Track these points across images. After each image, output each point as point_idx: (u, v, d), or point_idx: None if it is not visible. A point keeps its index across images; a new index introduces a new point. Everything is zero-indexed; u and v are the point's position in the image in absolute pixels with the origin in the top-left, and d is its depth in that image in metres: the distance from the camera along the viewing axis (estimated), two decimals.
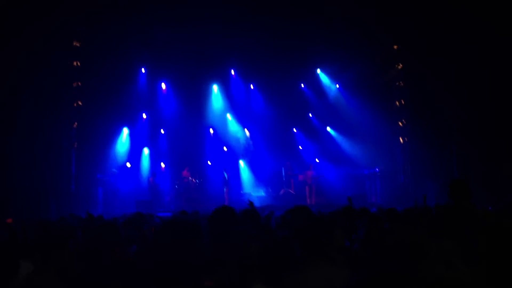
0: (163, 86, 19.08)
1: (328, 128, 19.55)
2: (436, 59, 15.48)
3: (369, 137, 17.72)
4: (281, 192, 18.25)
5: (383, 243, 3.09)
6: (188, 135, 18.68)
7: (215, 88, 19.56)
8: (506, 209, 5.60)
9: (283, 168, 18.73)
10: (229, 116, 19.73)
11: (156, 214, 9.79)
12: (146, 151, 18.83)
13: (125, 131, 18.63)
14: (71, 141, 16.33)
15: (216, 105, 19.55)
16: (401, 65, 17.83)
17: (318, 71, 19.43)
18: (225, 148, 19.51)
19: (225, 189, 17.82)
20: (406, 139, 17.83)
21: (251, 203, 9.02)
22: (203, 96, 19.16)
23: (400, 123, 17.98)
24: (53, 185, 15.14)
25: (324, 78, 19.48)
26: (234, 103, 19.70)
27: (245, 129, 19.78)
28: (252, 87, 19.67)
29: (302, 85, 19.71)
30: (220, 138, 19.56)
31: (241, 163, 19.42)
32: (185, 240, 2.45)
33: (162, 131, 19.05)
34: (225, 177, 17.91)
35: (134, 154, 18.55)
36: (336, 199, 16.89)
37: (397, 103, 18.08)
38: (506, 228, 2.90)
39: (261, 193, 18.38)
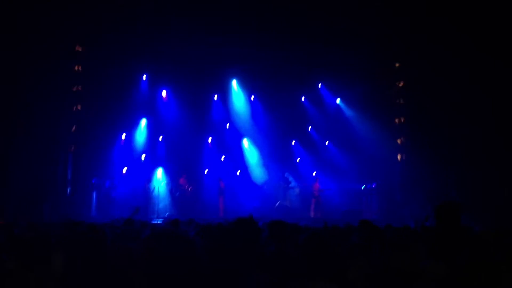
0: (164, 93, 19.06)
1: (327, 143, 19.53)
2: (437, 78, 15.54)
3: (368, 153, 17.72)
4: (277, 204, 18.17)
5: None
6: (186, 143, 18.64)
7: (215, 97, 19.56)
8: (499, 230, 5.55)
9: (279, 180, 18.72)
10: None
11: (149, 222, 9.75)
12: (143, 157, 18.76)
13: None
14: (68, 144, 16.28)
15: (216, 115, 19.53)
16: (402, 82, 17.86)
17: (319, 85, 19.44)
18: (222, 158, 19.48)
19: (220, 198, 17.77)
20: (404, 157, 17.81)
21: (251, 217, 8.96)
22: (203, 105, 19.14)
23: (399, 141, 17.97)
24: (48, 188, 15.08)
25: (325, 93, 19.50)
26: (234, 114, 19.69)
27: (245, 139, 19.76)
28: (252, 98, 19.68)
29: (303, 99, 19.73)
30: (219, 147, 19.53)
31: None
32: (174, 255, 2.34)
33: (161, 138, 19.01)
34: (220, 185, 17.88)
35: (131, 159, 18.48)
36: (333, 213, 16.87)
37: (397, 120, 18.08)
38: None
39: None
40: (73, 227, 5.63)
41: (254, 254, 3.63)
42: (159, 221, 13.24)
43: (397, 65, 17.80)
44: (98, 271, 3.24)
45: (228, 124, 19.69)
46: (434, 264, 3.35)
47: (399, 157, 17.94)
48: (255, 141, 19.65)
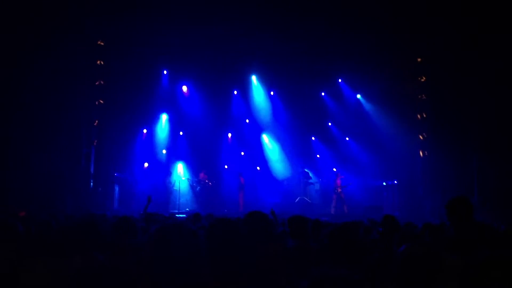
0: (185, 88, 19.14)
1: (347, 138, 19.40)
2: (459, 73, 15.32)
3: (389, 149, 17.55)
4: (297, 200, 18.16)
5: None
6: (207, 138, 18.72)
7: (235, 93, 19.59)
8: None
9: (299, 175, 18.69)
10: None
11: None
12: (164, 151, 18.92)
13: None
14: (91, 138, 16.49)
15: (236, 110, 19.56)
16: (424, 78, 17.64)
17: (339, 80, 19.31)
18: (242, 153, 19.54)
19: (240, 194, 17.82)
20: (426, 153, 17.61)
21: (272, 212, 8.98)
22: (223, 100, 19.17)
23: (421, 136, 17.77)
24: (72, 181, 15.30)
25: (345, 88, 19.37)
26: (253, 109, 19.70)
27: (264, 135, 19.76)
28: (272, 93, 19.65)
29: (323, 94, 19.64)
30: (239, 143, 19.58)
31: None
32: (181, 249, 2.31)
33: (181, 133, 19.12)
34: (240, 181, 17.92)
35: (152, 154, 18.65)
36: (354, 209, 16.78)
37: (419, 116, 17.87)
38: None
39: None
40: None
41: (265, 250, 3.60)
42: (182, 215, 13.32)
43: (419, 60, 17.56)
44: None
45: (247, 120, 19.69)
46: (453, 259, 3.30)
47: (421, 153, 17.73)
48: (275, 137, 19.63)
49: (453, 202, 4.56)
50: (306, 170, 18.93)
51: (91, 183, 16.22)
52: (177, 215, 12.72)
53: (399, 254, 2.90)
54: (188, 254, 2.29)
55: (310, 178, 18.87)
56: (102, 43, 16.58)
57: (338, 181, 17.62)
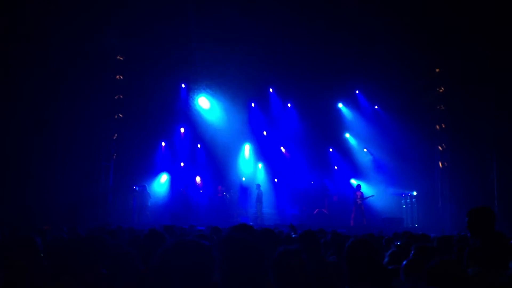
0: (202, 101, 19.26)
1: (365, 150, 19.30)
2: (478, 84, 15.19)
3: (408, 160, 17.41)
4: (315, 211, 18.08)
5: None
6: (224, 151, 18.81)
7: (252, 105, 19.68)
8: None
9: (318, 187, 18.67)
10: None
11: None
12: (182, 164, 19.06)
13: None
14: (110, 152, 16.71)
15: (252, 121, 19.63)
16: (442, 88, 17.52)
17: (357, 92, 19.27)
18: (259, 166, 19.57)
19: (258, 206, 17.78)
20: (445, 164, 17.42)
21: (292, 226, 8.95)
22: (241, 112, 19.25)
23: (440, 147, 17.61)
24: (92, 194, 15.49)
25: (362, 99, 19.31)
26: (271, 121, 19.76)
27: (281, 148, 19.77)
28: (289, 105, 19.70)
29: (340, 105, 19.61)
30: (256, 155, 19.62)
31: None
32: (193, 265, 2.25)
33: (199, 146, 19.24)
34: (258, 193, 17.89)
35: (171, 167, 18.81)
36: (372, 220, 16.65)
37: (437, 126, 17.72)
38: None
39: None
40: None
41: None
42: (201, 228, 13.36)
43: (437, 70, 17.46)
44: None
45: (265, 132, 19.74)
46: (479, 272, 3.27)
47: (440, 164, 17.55)
48: (292, 148, 19.60)
49: (475, 212, 4.40)
50: (324, 182, 18.84)
51: (110, 197, 16.41)
52: (197, 228, 12.75)
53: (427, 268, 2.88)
54: (201, 271, 2.30)
55: (328, 190, 18.78)
56: (121, 58, 16.85)
57: (358, 193, 17.48)
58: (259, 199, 17.85)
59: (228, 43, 16.46)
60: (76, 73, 14.76)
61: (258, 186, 18.13)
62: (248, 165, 19.59)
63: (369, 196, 17.43)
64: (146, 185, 17.69)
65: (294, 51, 16.94)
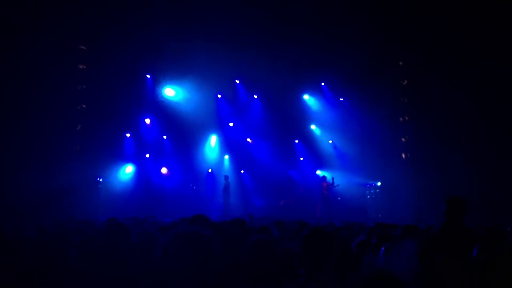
0: (168, 92, 19.03)
1: (330, 141, 19.51)
2: (440, 75, 15.54)
3: (372, 151, 17.69)
4: (281, 203, 18.18)
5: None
6: (190, 142, 18.70)
7: (219, 96, 19.60)
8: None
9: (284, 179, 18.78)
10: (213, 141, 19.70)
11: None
12: (147, 155, 18.85)
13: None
14: (73, 144, 16.36)
15: (219, 113, 19.56)
16: (406, 81, 17.85)
17: (322, 84, 19.43)
18: (226, 157, 19.55)
19: (225, 197, 17.72)
20: (408, 155, 17.81)
21: (250, 216, 9.01)
22: (207, 103, 19.13)
23: (403, 139, 17.97)
24: (55, 187, 15.11)
25: (328, 91, 19.48)
26: (237, 112, 19.73)
27: (248, 139, 19.77)
28: (256, 97, 19.71)
29: (306, 97, 19.74)
30: (223, 145, 19.58)
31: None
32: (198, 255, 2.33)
33: (165, 137, 19.05)
34: (226, 184, 17.82)
35: (136, 159, 18.56)
36: (339, 211, 16.87)
37: (401, 118, 18.08)
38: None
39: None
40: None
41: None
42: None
43: (401, 63, 17.78)
44: None
45: (231, 123, 19.70)
46: (449, 262, 3.35)
47: (403, 155, 17.93)
48: (258, 140, 19.63)
49: (452, 201, 4.59)
50: (289, 173, 18.98)
51: (75, 189, 16.07)
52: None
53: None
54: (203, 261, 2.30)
55: (294, 181, 18.92)
56: (84, 48, 16.46)
57: (324, 184, 17.67)
58: (226, 190, 17.80)
59: (194, 34, 16.30)
60: (38, 64, 14.32)
61: (226, 177, 18.07)
62: (215, 156, 19.51)
63: (335, 185, 17.62)
64: (114, 176, 17.48)
65: (260, 43, 16.91)
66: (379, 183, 18.21)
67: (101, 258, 3.67)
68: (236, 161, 19.49)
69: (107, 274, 3.49)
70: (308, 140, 19.77)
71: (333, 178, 17.66)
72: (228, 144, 19.62)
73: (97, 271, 3.52)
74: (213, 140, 19.59)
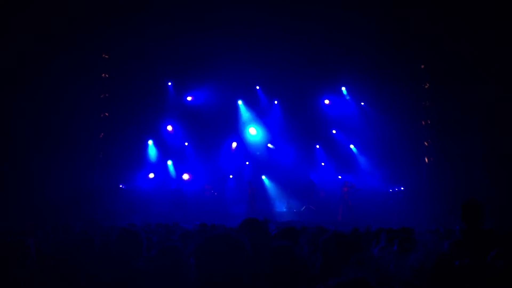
0: (189, 98, 19.21)
1: (352, 146, 19.37)
2: (463, 79, 15.35)
3: (394, 156, 17.50)
4: (303, 208, 18.12)
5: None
6: (211, 149, 18.78)
7: (239, 103, 19.67)
8: None
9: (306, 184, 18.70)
10: (253, 131, 19.69)
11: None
12: (169, 162, 19.00)
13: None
14: (96, 151, 16.61)
15: (241, 119, 19.63)
16: (428, 84, 17.65)
17: (343, 89, 19.34)
18: (247, 163, 19.57)
19: (251, 202, 17.68)
20: (431, 159, 17.57)
21: (265, 219, 8.97)
22: (229, 110, 19.23)
23: (426, 143, 17.75)
24: (78, 193, 15.34)
25: (349, 96, 19.37)
26: (258, 118, 19.76)
27: (269, 144, 19.77)
28: (276, 102, 19.73)
29: (327, 102, 19.64)
30: (243, 152, 19.61)
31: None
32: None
33: (186, 144, 19.19)
34: (251, 189, 17.78)
35: (158, 165, 18.74)
36: (361, 216, 16.70)
37: (423, 122, 17.87)
38: None
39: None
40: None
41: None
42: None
43: (422, 66, 17.59)
44: None
45: (252, 129, 19.73)
46: (467, 265, 3.30)
47: (426, 159, 17.70)
48: (280, 145, 19.60)
49: (467, 206, 4.55)
50: (311, 178, 18.90)
51: (97, 195, 16.28)
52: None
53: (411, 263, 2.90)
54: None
55: (315, 186, 18.82)
56: (106, 56, 16.73)
57: (345, 189, 17.54)
58: (252, 196, 17.75)
59: (215, 40, 16.42)
60: (63, 74, 14.62)
61: (250, 182, 18.07)
62: (236, 161, 19.54)
63: (355, 189, 17.46)
64: (135, 183, 17.64)
65: (280, 48, 16.95)
66: (402, 188, 17.99)
67: (116, 266, 3.67)
68: (258, 167, 19.48)
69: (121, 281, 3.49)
70: (329, 144, 19.65)
71: (350, 182, 17.55)
72: (249, 149, 19.64)
73: (111, 279, 3.52)
74: (234, 145, 19.64)
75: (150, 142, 18.70)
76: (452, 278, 2.78)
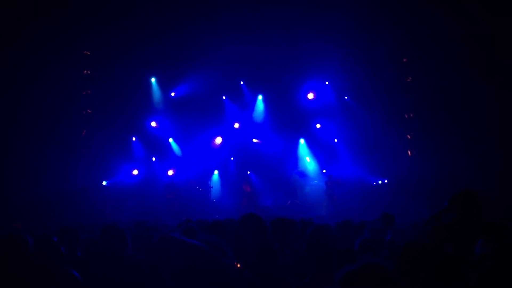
0: (173, 95, 19.10)
1: (336, 140, 19.45)
2: (445, 72, 15.49)
3: (377, 149, 17.63)
4: (288, 202, 18.14)
5: None
6: (196, 144, 18.72)
7: (223, 98, 19.62)
8: None
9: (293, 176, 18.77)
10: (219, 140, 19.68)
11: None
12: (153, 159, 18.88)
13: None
14: (79, 148, 16.45)
15: (224, 114, 19.58)
16: (410, 78, 17.80)
17: (327, 83, 19.40)
18: (232, 158, 19.53)
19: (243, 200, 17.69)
20: (414, 152, 17.75)
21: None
22: (213, 106, 19.17)
23: (408, 136, 17.92)
24: (61, 191, 15.21)
25: (332, 90, 19.43)
26: (242, 113, 19.74)
27: (254, 139, 19.75)
28: (260, 97, 19.72)
29: (311, 96, 19.66)
30: (228, 148, 19.56)
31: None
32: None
33: (171, 140, 19.09)
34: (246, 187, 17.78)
35: (142, 162, 18.60)
36: (346, 210, 16.80)
37: (406, 115, 18.02)
38: None
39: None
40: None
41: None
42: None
43: (405, 60, 17.72)
44: None
45: (237, 124, 19.71)
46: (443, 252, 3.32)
47: (409, 152, 17.87)
48: (264, 141, 19.60)
49: (460, 196, 4.26)
50: (295, 173, 18.95)
51: (80, 193, 16.14)
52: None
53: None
54: None
55: (301, 180, 18.88)
56: (88, 53, 16.56)
57: (329, 182, 17.62)
58: (245, 194, 17.71)
59: (198, 36, 16.36)
60: (43, 69, 14.44)
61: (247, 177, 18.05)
62: (220, 157, 19.48)
63: (340, 182, 17.55)
64: (119, 180, 17.52)
65: (264, 43, 16.95)
66: (386, 181, 18.13)
67: (100, 264, 3.66)
68: (241, 163, 19.45)
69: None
70: (313, 139, 19.70)
71: (335, 177, 17.65)
72: (233, 145, 19.59)
73: (96, 278, 3.51)
74: (218, 141, 19.58)
75: (134, 138, 18.54)
76: (420, 262, 2.77)
